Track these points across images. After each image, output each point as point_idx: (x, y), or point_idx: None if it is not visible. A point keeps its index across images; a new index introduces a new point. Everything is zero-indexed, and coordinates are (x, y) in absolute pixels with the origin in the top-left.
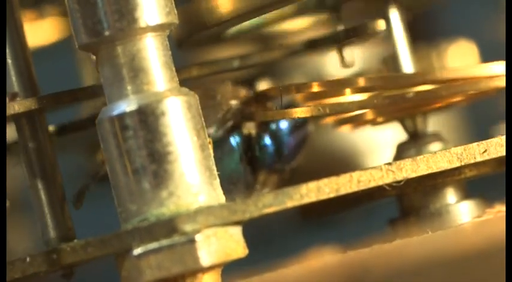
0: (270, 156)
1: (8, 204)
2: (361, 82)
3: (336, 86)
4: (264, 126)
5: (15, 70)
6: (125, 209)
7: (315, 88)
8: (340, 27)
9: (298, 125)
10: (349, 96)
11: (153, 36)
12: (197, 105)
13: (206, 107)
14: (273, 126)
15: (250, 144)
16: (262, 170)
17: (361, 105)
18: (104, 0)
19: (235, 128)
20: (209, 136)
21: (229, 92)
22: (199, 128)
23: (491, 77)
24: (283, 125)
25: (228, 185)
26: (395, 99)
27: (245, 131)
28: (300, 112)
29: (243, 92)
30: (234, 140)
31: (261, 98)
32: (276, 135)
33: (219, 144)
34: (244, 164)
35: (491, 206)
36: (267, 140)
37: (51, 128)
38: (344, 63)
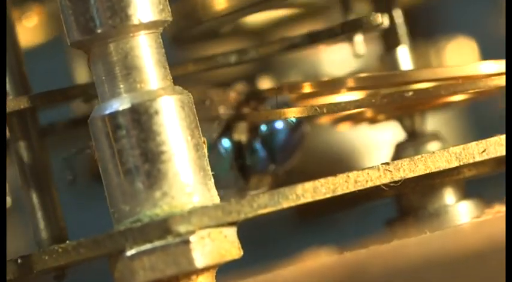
0: (261, 161)
1: (9, 200)
2: (352, 82)
3: (328, 86)
4: (254, 131)
5: (6, 69)
6: (118, 210)
7: (307, 88)
8: (349, 18)
9: (294, 126)
10: (345, 95)
11: (146, 33)
12: (191, 104)
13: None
14: (266, 129)
15: (240, 151)
16: (254, 175)
17: (358, 104)
18: None
19: (225, 134)
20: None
21: (218, 97)
22: (193, 127)
23: (489, 76)
24: (277, 127)
25: (218, 189)
26: (393, 98)
27: (235, 137)
28: (295, 112)
29: (233, 95)
30: (223, 147)
31: (253, 98)
32: (267, 139)
33: (210, 152)
34: (235, 170)
35: (490, 206)
36: (258, 146)
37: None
38: (355, 53)
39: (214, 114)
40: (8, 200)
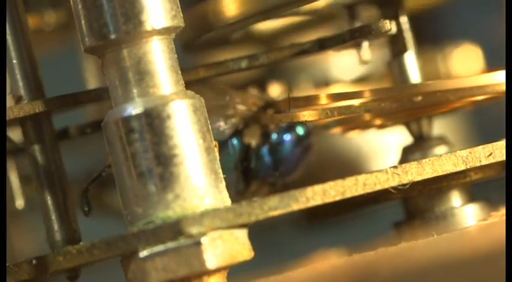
0: (265, 169)
1: (22, 203)
2: (368, 94)
3: (344, 98)
4: (264, 139)
5: (20, 73)
6: (131, 212)
7: (323, 100)
8: (356, 25)
9: (301, 140)
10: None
11: (159, 39)
12: (203, 108)
13: (212, 106)
14: (275, 138)
15: (247, 154)
16: (255, 180)
17: (368, 108)
18: (110, 3)
19: (237, 135)
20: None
21: (239, 96)
22: (205, 131)
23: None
24: (285, 138)
25: None
26: (402, 103)
27: (246, 140)
28: (307, 115)
29: (253, 98)
30: (232, 146)
31: (270, 107)
32: (275, 148)
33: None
34: (238, 172)
35: (496, 209)
36: (265, 152)
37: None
38: (361, 60)
39: (231, 112)
40: (21, 202)
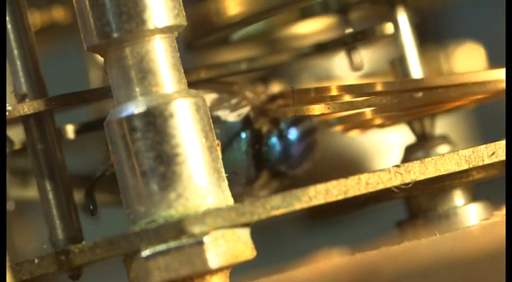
0: (276, 154)
1: (13, 204)
2: (380, 87)
3: (355, 90)
4: (274, 126)
5: (23, 72)
6: (133, 211)
7: (334, 92)
8: (349, 30)
9: (306, 133)
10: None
11: (161, 38)
12: (205, 107)
13: (222, 93)
14: (283, 128)
15: (258, 138)
16: (266, 168)
17: (370, 104)
18: (113, 2)
19: (248, 121)
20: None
21: (247, 86)
22: (208, 129)
23: (500, 81)
24: (292, 130)
25: (230, 174)
26: (403, 99)
27: (257, 125)
28: (312, 109)
29: (260, 89)
30: (244, 131)
31: (276, 99)
32: (284, 138)
33: (229, 130)
34: (250, 156)
35: (498, 209)
36: (275, 140)
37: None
38: (353, 66)
39: (241, 99)
40: (11, 203)
